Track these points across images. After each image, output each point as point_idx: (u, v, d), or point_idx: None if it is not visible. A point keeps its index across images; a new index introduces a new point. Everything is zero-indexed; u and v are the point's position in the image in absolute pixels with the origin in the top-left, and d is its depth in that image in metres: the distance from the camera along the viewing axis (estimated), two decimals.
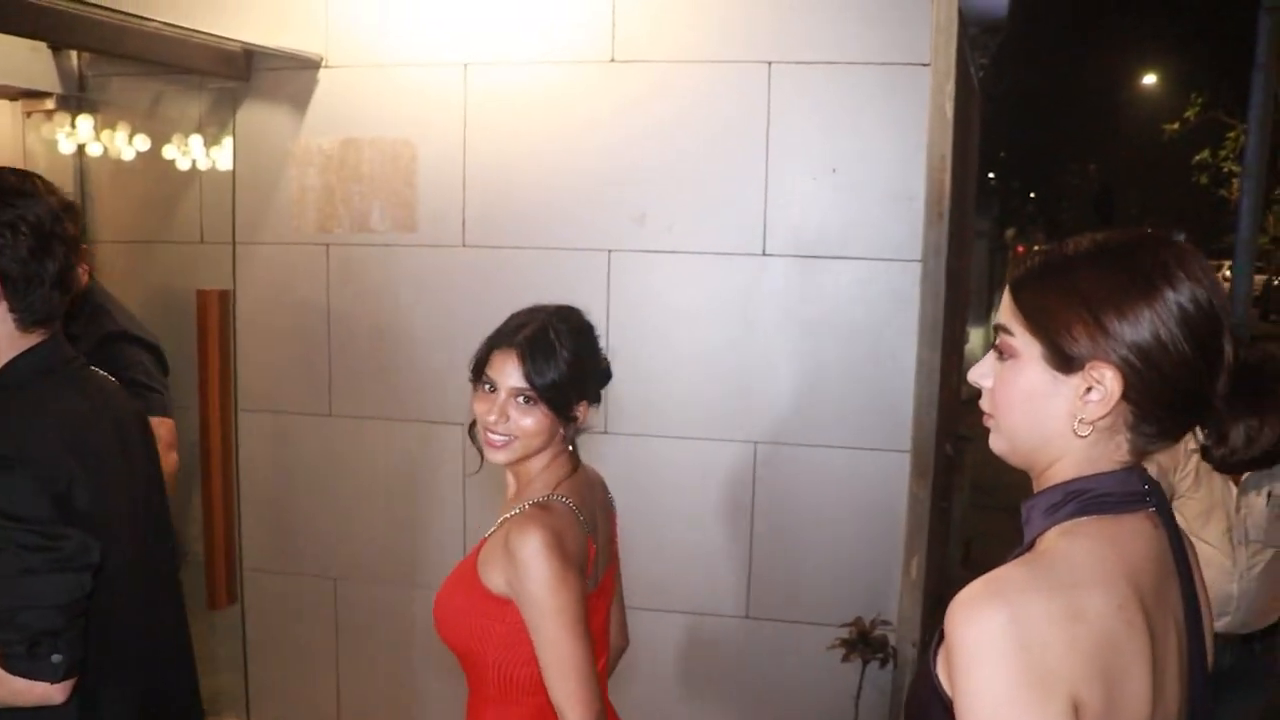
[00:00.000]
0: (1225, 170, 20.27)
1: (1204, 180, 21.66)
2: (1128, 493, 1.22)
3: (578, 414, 1.91)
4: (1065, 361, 1.18)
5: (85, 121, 3.93)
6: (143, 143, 3.90)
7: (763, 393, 3.49)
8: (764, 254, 3.46)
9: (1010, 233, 24.07)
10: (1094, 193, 19.68)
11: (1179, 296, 1.14)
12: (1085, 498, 1.20)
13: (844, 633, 3.47)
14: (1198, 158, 21.41)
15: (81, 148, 3.96)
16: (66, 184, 4.04)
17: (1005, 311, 1.24)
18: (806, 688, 3.62)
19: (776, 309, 3.49)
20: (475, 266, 3.68)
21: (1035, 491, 1.26)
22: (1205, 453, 1.39)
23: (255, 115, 3.84)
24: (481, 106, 3.63)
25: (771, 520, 3.53)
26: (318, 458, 3.94)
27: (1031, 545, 1.21)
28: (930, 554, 3.64)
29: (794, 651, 3.61)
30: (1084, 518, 1.20)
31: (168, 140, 3.90)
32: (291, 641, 4.05)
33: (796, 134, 3.43)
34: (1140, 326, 1.14)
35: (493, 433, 1.87)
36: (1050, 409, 1.20)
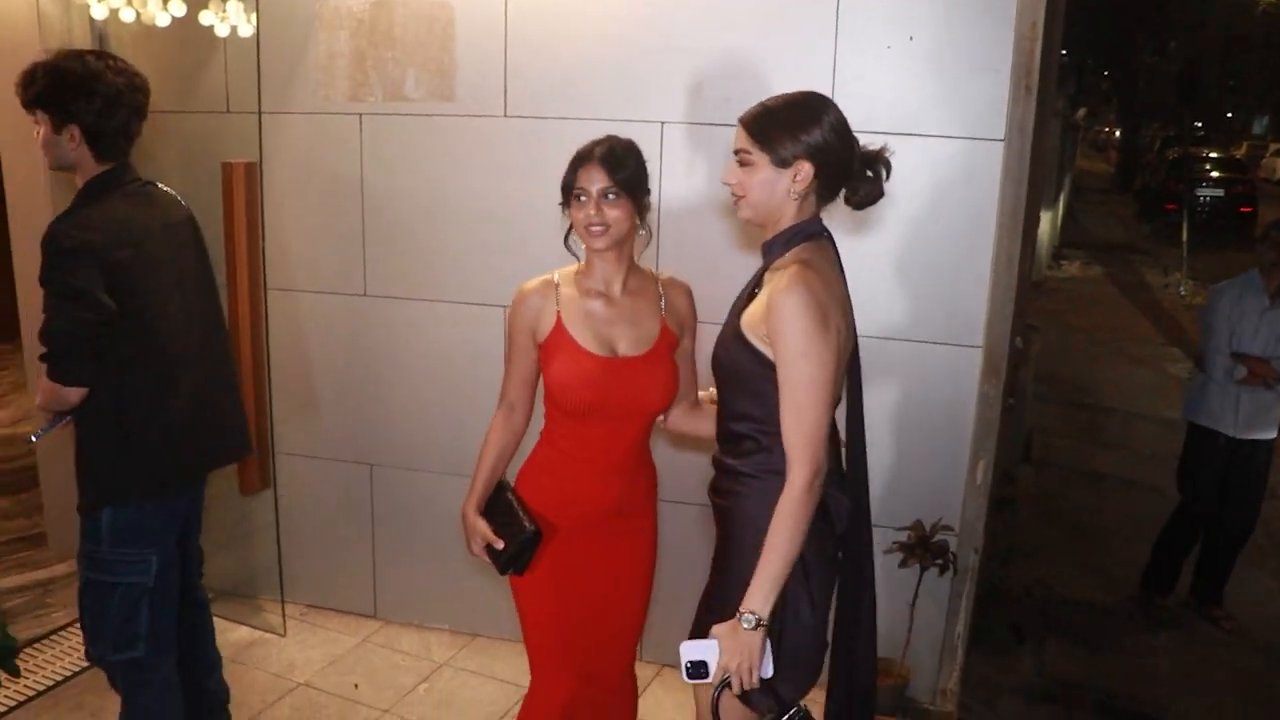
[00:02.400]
0: None
1: None
2: (818, 230, 2.13)
3: (648, 204, 2.41)
4: (783, 162, 2.04)
5: None
6: (164, 5, 3.65)
7: None
8: None
9: (1082, 113, 23.08)
10: (1177, 72, 18.70)
11: (831, 119, 2.05)
12: (803, 233, 2.10)
13: (902, 536, 3.30)
14: None
15: (104, 13, 3.71)
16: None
17: (740, 139, 2.07)
18: None
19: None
20: (518, 138, 3.44)
21: (770, 237, 2.12)
22: (846, 200, 2.14)
23: None
24: None
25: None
26: (351, 340, 3.78)
27: (797, 260, 2.04)
28: (997, 456, 3.42)
29: None
30: (807, 243, 2.10)
31: (190, 3, 3.64)
32: (327, 527, 3.97)
33: None
34: (817, 135, 2.03)
35: (592, 227, 2.32)
36: (777, 189, 2.06)
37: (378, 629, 3.92)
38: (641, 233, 2.42)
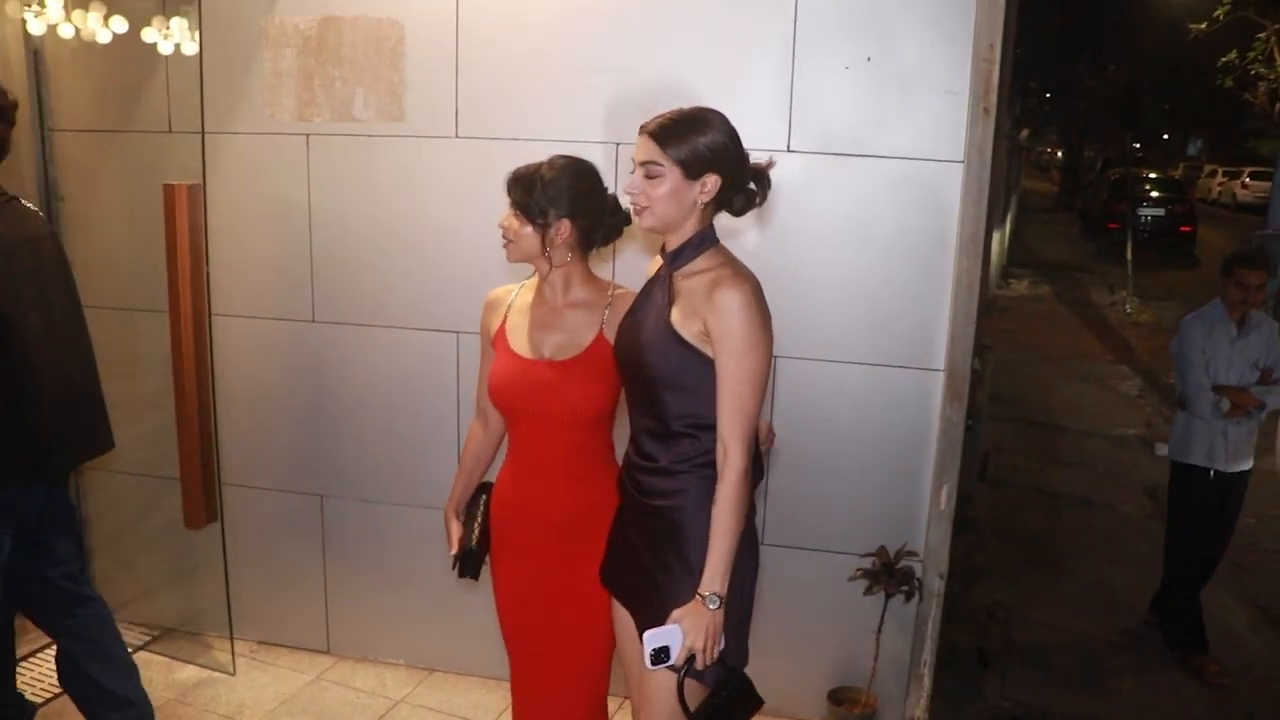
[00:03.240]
0: (1252, 73, 19.64)
1: (1229, 83, 21.03)
2: (714, 235, 2.20)
3: (557, 226, 2.38)
4: (693, 174, 2.10)
5: (54, 1, 3.55)
6: (101, 21, 3.53)
7: (783, 303, 3.14)
8: (788, 150, 3.14)
9: (1025, 133, 23.43)
10: (1120, 95, 19.07)
11: (731, 130, 2.13)
12: (710, 240, 2.19)
13: (866, 563, 3.24)
14: (1224, 59, 20.76)
15: (41, 29, 3.59)
16: (19, 66, 3.70)
17: (649, 151, 2.10)
18: (825, 621, 3.41)
19: (800, 211, 3.17)
20: (469, 159, 3.36)
21: (676, 245, 2.18)
22: (729, 209, 2.20)
23: None
24: None
25: (790, 440, 3.25)
26: (300, 367, 3.67)
27: (718, 262, 2.16)
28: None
29: (812, 582, 3.39)
30: (713, 247, 2.19)
31: (130, 19, 3.53)
32: (276, 560, 3.85)
33: (827, 16, 3.08)
34: (720, 146, 2.10)
35: (503, 236, 2.42)
36: (685, 199, 2.12)
37: (331, 665, 3.80)
38: (556, 253, 2.39)
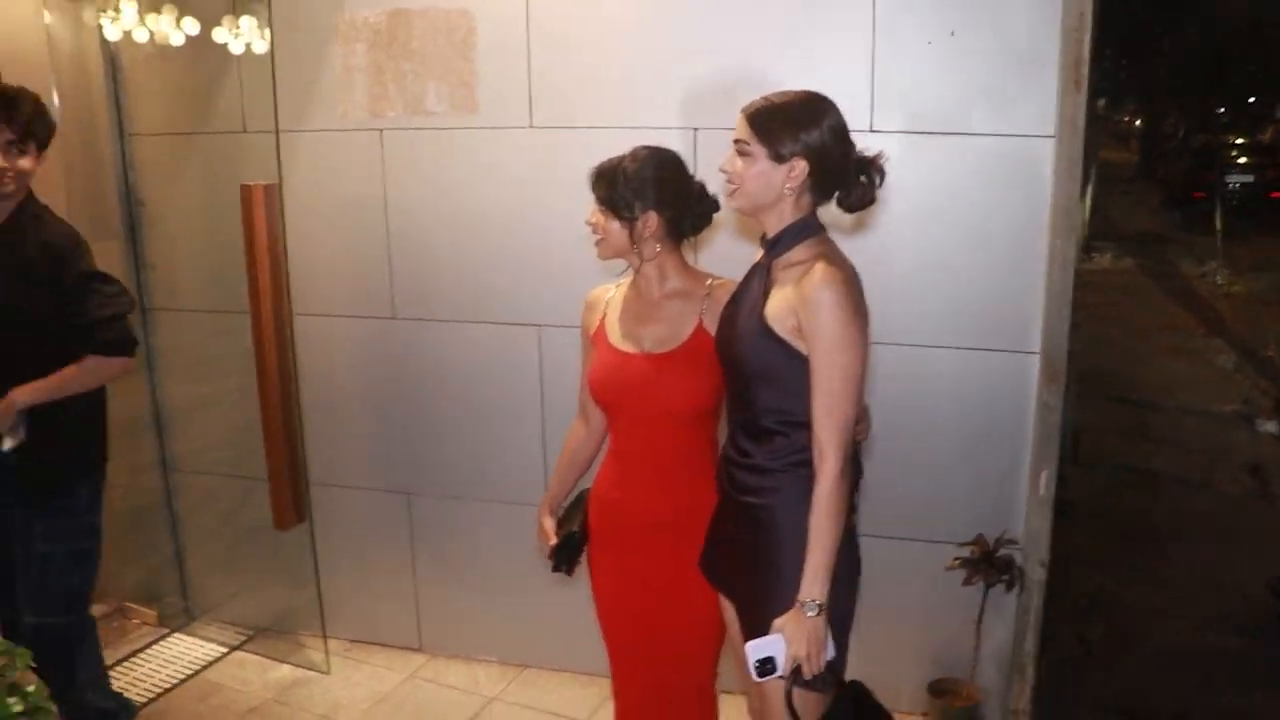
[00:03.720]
0: None
1: None
2: (821, 226, 2.16)
3: (645, 218, 2.35)
4: (779, 157, 2.07)
5: (128, 6, 3.58)
6: (177, 24, 3.55)
7: (872, 287, 3.08)
8: (871, 130, 3.04)
9: (1102, 102, 22.80)
10: (1201, 59, 18.48)
11: (831, 121, 2.08)
12: (810, 229, 2.14)
13: (965, 552, 3.15)
14: None
15: (117, 34, 3.62)
16: (97, 73, 3.73)
17: (740, 130, 2.10)
18: (923, 612, 3.33)
19: (886, 193, 3.02)
20: (544, 149, 3.32)
21: (774, 233, 2.14)
22: (839, 202, 2.16)
23: None
24: None
25: (883, 429, 3.15)
26: (382, 365, 3.67)
27: (816, 253, 2.10)
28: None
29: (909, 573, 3.30)
30: (814, 237, 2.14)
31: (203, 20, 3.54)
32: (367, 559, 3.86)
33: None
34: (814, 135, 2.06)
35: (593, 233, 2.41)
36: (773, 182, 2.09)
37: (424, 663, 3.80)
38: (646, 247, 2.36)
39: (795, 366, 2.07)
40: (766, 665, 2.08)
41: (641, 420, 2.39)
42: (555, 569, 2.55)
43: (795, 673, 2.07)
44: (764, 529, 2.17)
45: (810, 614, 2.03)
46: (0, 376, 2.70)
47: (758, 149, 2.07)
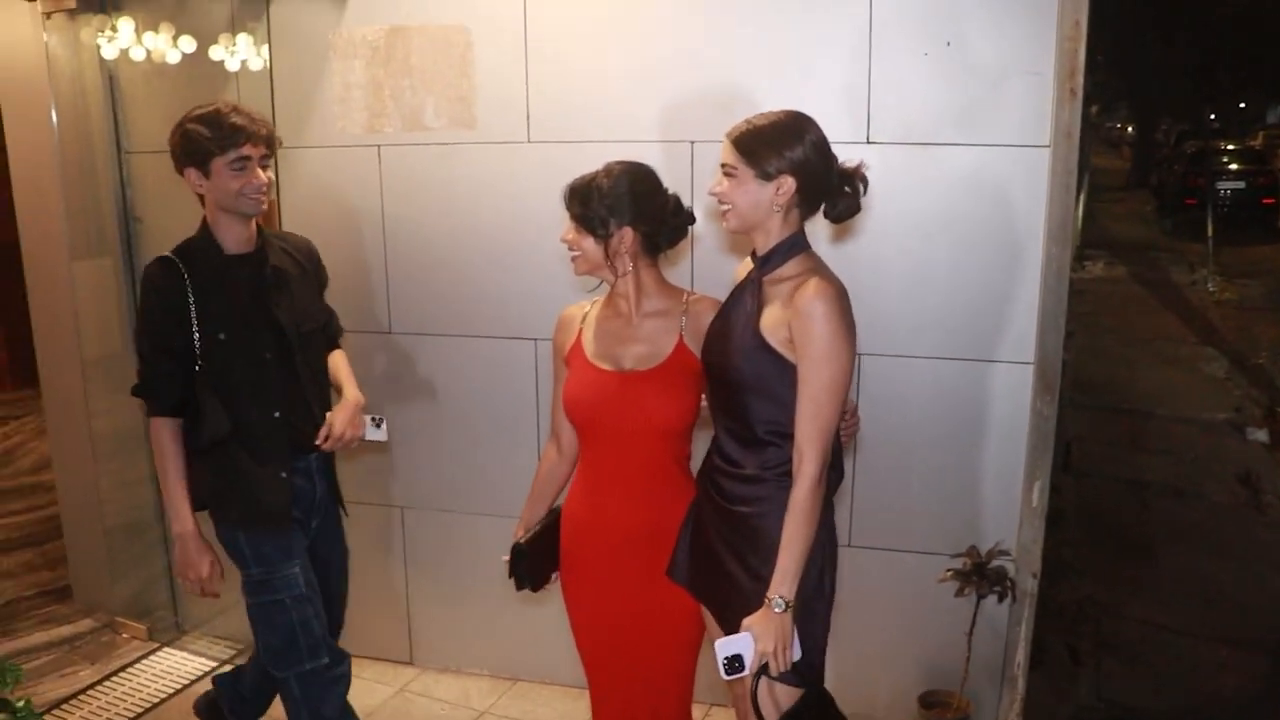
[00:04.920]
0: None
1: None
2: (805, 241, 2.22)
3: (621, 234, 2.36)
4: (767, 176, 2.14)
5: (124, 24, 3.61)
6: (175, 42, 3.57)
7: (867, 297, 3.09)
8: (868, 142, 3.06)
9: (1093, 110, 22.87)
10: (1193, 64, 18.54)
11: (813, 137, 2.15)
12: (799, 245, 2.21)
13: (957, 563, 3.15)
14: None
15: (114, 53, 3.64)
16: (96, 91, 3.75)
17: (725, 154, 2.17)
18: (914, 623, 3.34)
19: (882, 203, 3.08)
20: (542, 164, 3.33)
21: (760, 251, 2.22)
22: (825, 214, 2.22)
23: (291, 5, 3.48)
24: None
25: (877, 439, 3.19)
26: (378, 379, 3.67)
27: (806, 268, 2.17)
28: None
29: (901, 584, 3.32)
30: (803, 253, 2.21)
31: (200, 38, 3.56)
32: (358, 572, 3.80)
33: (903, 2, 2.99)
34: (798, 151, 2.12)
35: (569, 250, 2.42)
36: (762, 200, 2.15)
37: (415, 676, 3.81)
38: (620, 262, 2.37)
39: (788, 378, 2.13)
40: (735, 663, 2.13)
41: (617, 437, 2.39)
42: (518, 586, 2.55)
43: (762, 669, 2.13)
44: (753, 538, 2.21)
45: (778, 610, 2.09)
46: (319, 388, 2.82)
47: (744, 170, 2.15)
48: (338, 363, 2.95)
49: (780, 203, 2.16)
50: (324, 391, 2.84)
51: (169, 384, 2.61)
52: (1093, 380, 8.07)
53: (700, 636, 2.50)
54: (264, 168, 2.61)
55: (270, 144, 2.64)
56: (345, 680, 2.86)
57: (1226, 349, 9.47)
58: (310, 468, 2.79)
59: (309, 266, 2.85)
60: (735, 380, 2.20)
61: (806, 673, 2.21)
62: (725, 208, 2.20)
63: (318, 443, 2.74)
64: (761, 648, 2.11)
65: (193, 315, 2.58)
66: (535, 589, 2.56)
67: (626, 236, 2.34)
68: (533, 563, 2.53)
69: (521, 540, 2.52)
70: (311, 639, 2.74)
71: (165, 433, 2.63)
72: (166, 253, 2.65)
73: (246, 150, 2.56)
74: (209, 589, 2.72)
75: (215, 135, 2.54)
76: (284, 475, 2.69)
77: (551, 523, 2.57)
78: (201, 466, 2.65)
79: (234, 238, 2.66)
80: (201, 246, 2.66)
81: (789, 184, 2.14)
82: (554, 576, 2.59)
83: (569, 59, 3.27)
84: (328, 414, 2.77)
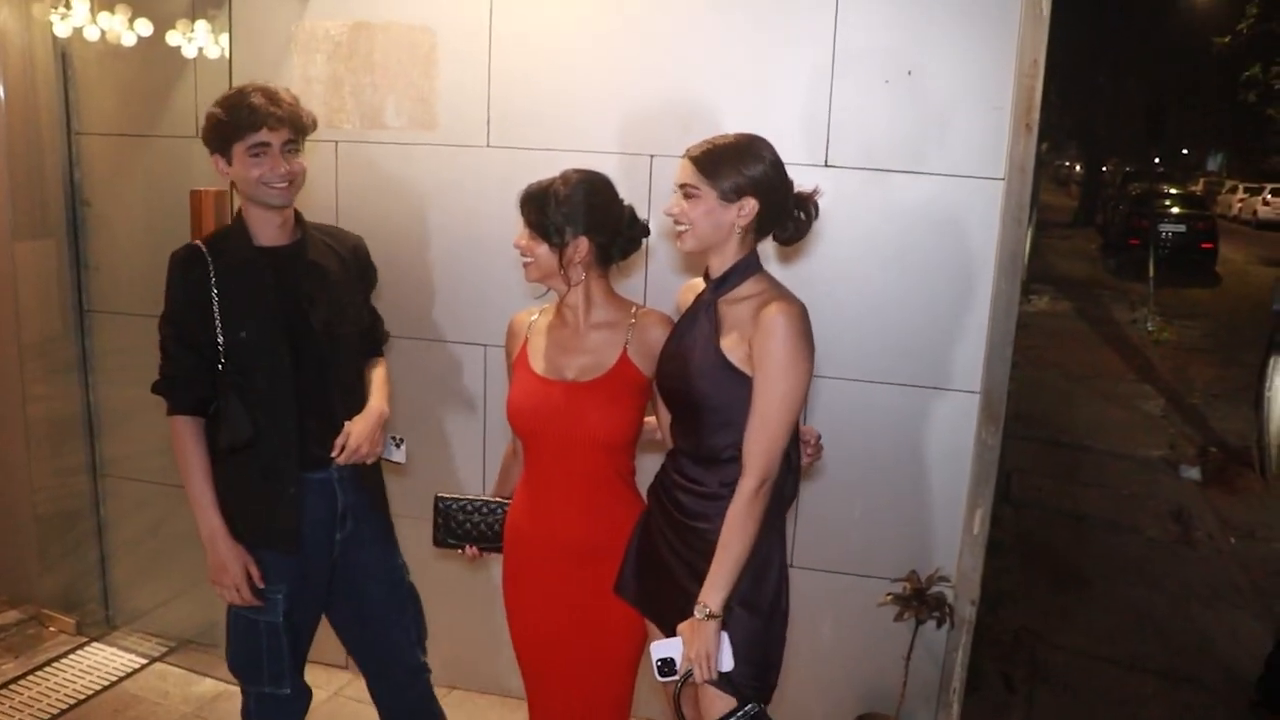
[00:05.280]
0: (1276, 88, 19.51)
1: (1252, 98, 20.90)
2: (759, 261, 2.25)
3: (576, 244, 2.33)
4: (729, 197, 2.14)
5: (79, 2, 3.54)
6: (132, 25, 3.51)
7: (817, 320, 3.12)
8: (826, 165, 3.08)
9: (1043, 146, 23.29)
10: (1142, 108, 19.00)
11: (772, 158, 2.18)
12: (755, 266, 2.22)
13: (897, 588, 3.17)
14: (1247, 74, 20.63)
15: (67, 31, 3.57)
16: (48, 69, 3.67)
17: (687, 174, 2.17)
18: (853, 645, 3.35)
19: (836, 226, 3.11)
20: (501, 169, 3.31)
21: (715, 273, 2.23)
22: (775, 237, 2.26)
23: None
24: None
25: (821, 462, 3.19)
26: None
27: (764, 287, 2.20)
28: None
29: (841, 605, 3.33)
30: (758, 273, 2.22)
31: (158, 22, 3.50)
32: None
33: (867, 30, 3.02)
34: (760, 172, 2.15)
35: (521, 256, 2.39)
36: (723, 221, 2.16)
37: (349, 681, 3.72)
38: (574, 272, 2.35)
39: (748, 394, 2.14)
40: (668, 666, 2.18)
41: (561, 449, 2.37)
42: (435, 539, 2.60)
43: (687, 676, 2.16)
44: (709, 552, 2.18)
45: (700, 616, 2.11)
46: (349, 396, 2.60)
47: (706, 190, 2.15)
48: (375, 371, 2.73)
49: (742, 224, 2.17)
50: (356, 401, 2.61)
51: (189, 380, 2.46)
52: (1033, 412, 8.19)
53: (640, 653, 2.49)
54: (290, 154, 2.44)
55: (297, 128, 2.45)
56: (304, 712, 2.70)
57: (1163, 387, 9.66)
58: (331, 480, 2.57)
59: (354, 264, 2.66)
60: (696, 401, 2.20)
61: (754, 687, 2.20)
62: (683, 228, 2.20)
63: (332, 454, 2.50)
64: (686, 653, 2.13)
65: (215, 309, 2.43)
66: (436, 544, 2.61)
67: (581, 246, 2.32)
68: (448, 524, 2.58)
69: (442, 494, 2.59)
70: (276, 667, 2.57)
71: (186, 431, 2.47)
72: (196, 240, 2.52)
73: (264, 135, 2.38)
74: (245, 594, 2.49)
75: (232, 119, 2.38)
76: (293, 491, 2.50)
77: (492, 502, 2.57)
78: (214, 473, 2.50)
79: (267, 229, 2.50)
80: (232, 237, 2.51)
81: (751, 205, 2.16)
82: (470, 552, 2.58)
83: (533, 66, 3.25)
84: (346, 423, 2.53)
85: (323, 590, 2.65)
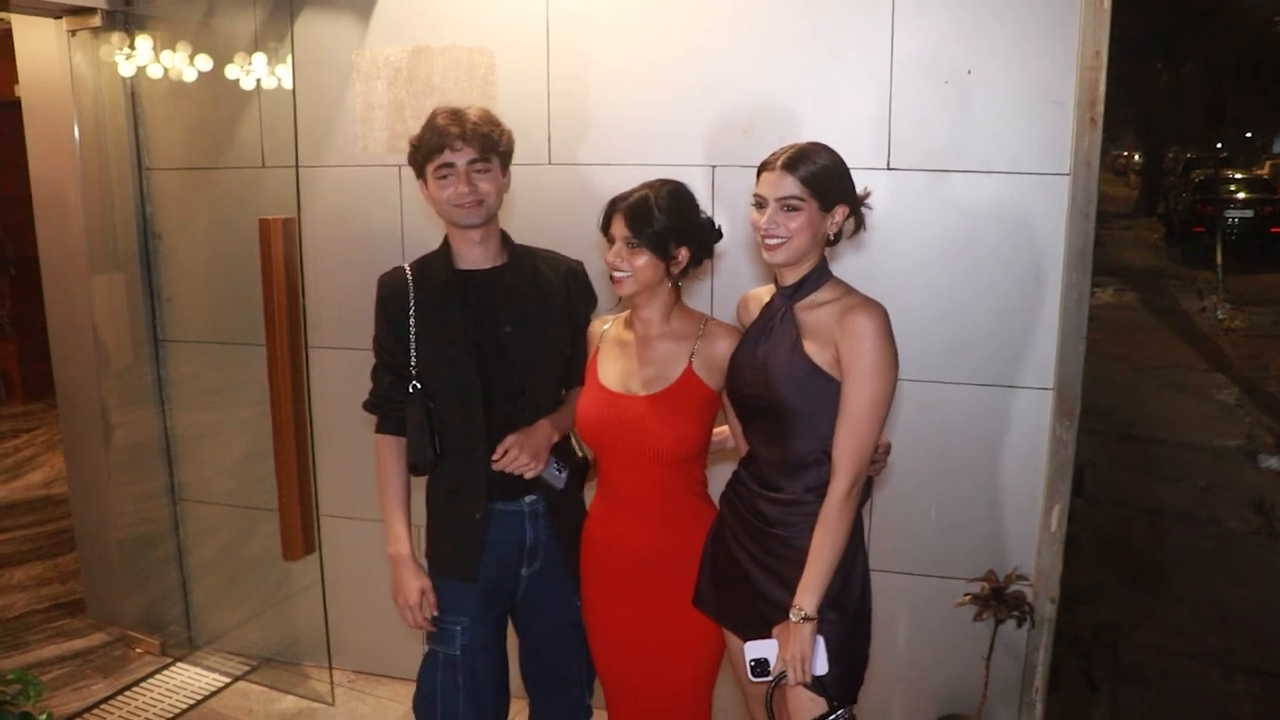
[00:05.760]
0: None
1: None
2: (828, 267, 2.26)
3: (677, 255, 2.32)
4: (827, 207, 2.18)
5: (144, 42, 3.66)
6: (196, 61, 3.60)
7: None
8: (888, 168, 3.07)
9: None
10: (1203, 93, 18.59)
11: (843, 165, 2.20)
12: (825, 270, 2.25)
13: (975, 588, 3.15)
14: None
15: (132, 70, 3.67)
16: (118, 108, 3.77)
17: (787, 186, 2.16)
18: (932, 647, 3.32)
19: (901, 229, 3.10)
20: (562, 186, 3.35)
21: (788, 280, 2.24)
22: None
23: (314, 25, 3.52)
24: (565, 7, 3.26)
25: (895, 464, 3.17)
26: None
27: (843, 291, 2.23)
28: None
29: (918, 608, 3.31)
30: (831, 279, 2.25)
31: (222, 57, 3.59)
32: (373, 590, 3.83)
33: (925, 31, 3.01)
34: (849, 180, 2.21)
35: (613, 273, 2.31)
36: (820, 231, 2.19)
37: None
38: (669, 283, 2.35)
39: (836, 399, 2.16)
40: (762, 667, 2.20)
41: (628, 461, 2.37)
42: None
43: (780, 677, 2.17)
44: (792, 550, 2.20)
45: (795, 619, 2.12)
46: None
47: (808, 201, 2.17)
48: (568, 397, 2.59)
49: (832, 233, 2.22)
50: None
51: (389, 401, 2.51)
52: (1104, 406, 8.05)
53: (718, 664, 2.49)
54: (480, 173, 2.39)
55: (485, 146, 2.38)
56: None
57: (1236, 376, 9.45)
58: (522, 513, 2.50)
59: (564, 289, 2.55)
60: (782, 408, 2.20)
61: (843, 689, 2.20)
62: (778, 240, 2.19)
63: (493, 458, 2.41)
64: (781, 655, 2.15)
65: (411, 330, 2.44)
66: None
67: (683, 256, 2.32)
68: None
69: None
70: (450, 706, 2.51)
71: (385, 451, 2.52)
72: (404, 263, 2.55)
73: (448, 156, 2.36)
74: (417, 618, 2.48)
75: (421, 143, 2.40)
76: (478, 518, 2.46)
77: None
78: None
79: (468, 251, 2.48)
80: (436, 259, 2.52)
81: (842, 214, 2.21)
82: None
83: (591, 82, 3.28)
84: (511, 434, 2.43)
85: (503, 625, 2.61)
